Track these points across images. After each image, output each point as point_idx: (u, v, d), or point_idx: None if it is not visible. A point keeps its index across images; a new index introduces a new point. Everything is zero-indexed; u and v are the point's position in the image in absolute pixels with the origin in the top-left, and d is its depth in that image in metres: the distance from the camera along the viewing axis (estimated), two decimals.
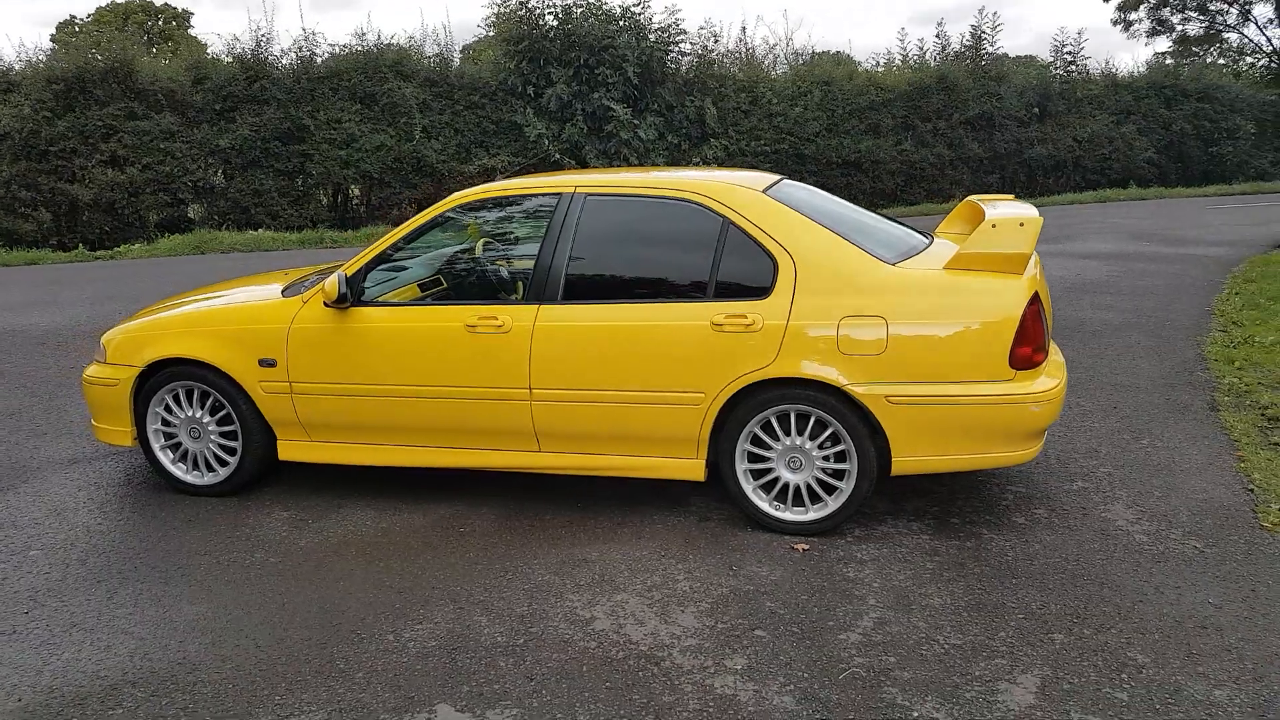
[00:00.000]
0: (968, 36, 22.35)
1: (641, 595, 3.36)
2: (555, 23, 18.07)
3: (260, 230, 15.75)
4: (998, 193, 6.32)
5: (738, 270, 3.74)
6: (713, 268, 3.76)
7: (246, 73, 16.54)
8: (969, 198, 4.62)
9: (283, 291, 4.35)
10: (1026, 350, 3.53)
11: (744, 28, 34.53)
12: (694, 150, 18.57)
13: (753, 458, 3.81)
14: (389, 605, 3.35)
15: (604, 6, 18.24)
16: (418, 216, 4.15)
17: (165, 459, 4.38)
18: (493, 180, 16.26)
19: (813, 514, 3.77)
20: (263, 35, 16.99)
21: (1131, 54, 52.53)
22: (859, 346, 3.56)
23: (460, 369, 3.93)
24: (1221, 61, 27.83)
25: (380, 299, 4.13)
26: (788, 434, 3.74)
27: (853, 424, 3.63)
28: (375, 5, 38.03)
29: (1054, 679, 2.80)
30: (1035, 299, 3.58)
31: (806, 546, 3.69)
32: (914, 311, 3.55)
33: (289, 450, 4.26)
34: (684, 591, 3.37)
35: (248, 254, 14.23)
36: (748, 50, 20.80)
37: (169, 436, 4.39)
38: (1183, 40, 28.34)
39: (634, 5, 18.34)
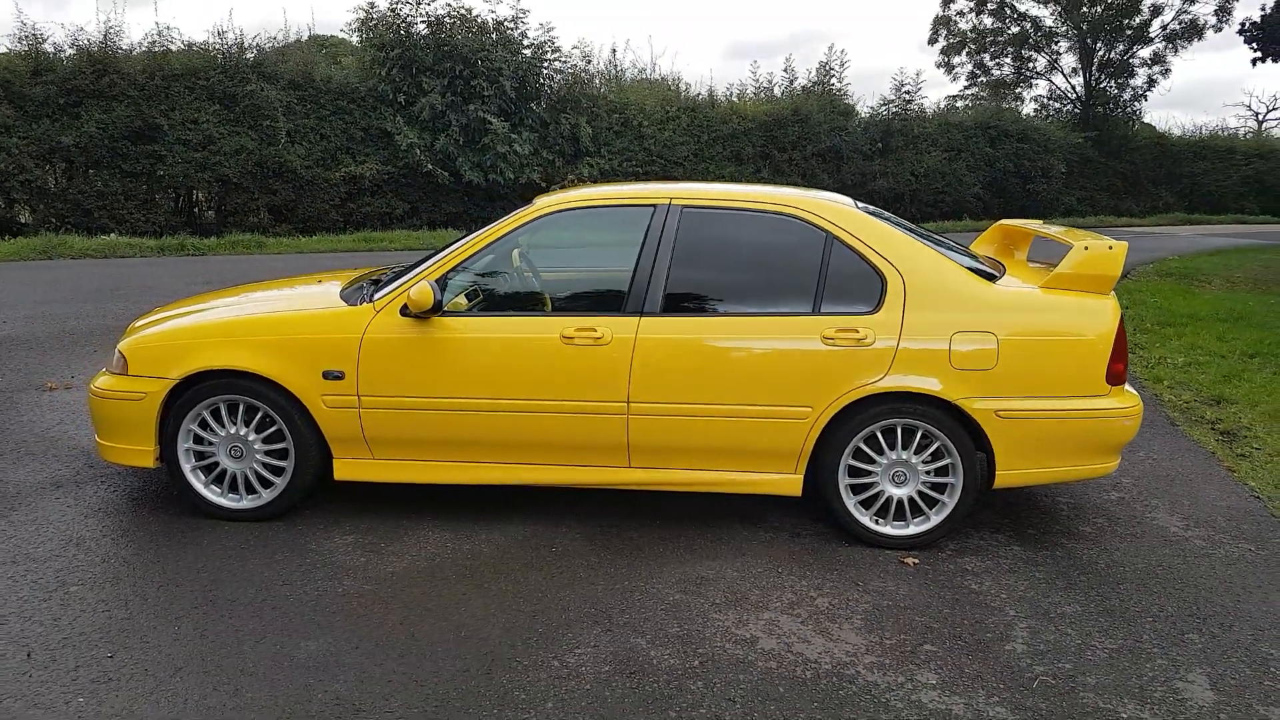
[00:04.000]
0: (814, 73, 23.46)
1: (788, 613, 3.31)
2: (427, 31, 17.62)
3: (112, 235, 14.48)
4: None
5: (844, 285, 3.77)
6: (818, 283, 3.77)
7: (93, 66, 15.24)
8: (1000, 222, 4.84)
9: (342, 298, 4.04)
10: (1120, 366, 3.73)
11: (614, 50, 34.76)
12: (568, 168, 18.53)
13: (852, 472, 3.84)
14: (530, 630, 3.16)
15: (477, 19, 17.95)
16: (502, 223, 3.96)
17: (197, 481, 3.96)
18: (362, 183, 15.76)
19: (913, 528, 3.84)
20: (111, 27, 15.72)
21: (942, 93, 56.32)
22: (971, 361, 3.66)
23: (553, 382, 3.77)
24: (1032, 109, 30.31)
25: (447, 307, 3.89)
26: (891, 448, 3.79)
27: (960, 438, 3.73)
28: (234, 2, 35.95)
29: (1218, 675, 2.97)
30: (1121, 318, 3.79)
31: (916, 561, 3.74)
32: (1022, 328, 3.69)
33: (347, 469, 3.95)
34: (827, 608, 3.35)
35: (101, 260, 13.09)
36: (618, 72, 20.98)
37: (200, 456, 3.97)
38: (998, 84, 30.68)
39: (507, 20, 18.17)
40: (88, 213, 15.34)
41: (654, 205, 3.93)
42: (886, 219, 4.04)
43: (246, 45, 16.76)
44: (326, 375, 3.80)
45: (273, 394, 3.84)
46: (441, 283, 3.84)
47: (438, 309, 3.73)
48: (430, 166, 17.31)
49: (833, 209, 3.89)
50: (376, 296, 3.91)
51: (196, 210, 17.35)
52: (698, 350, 3.75)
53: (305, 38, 19.88)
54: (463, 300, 3.96)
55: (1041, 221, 4.90)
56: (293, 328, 3.87)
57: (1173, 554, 3.88)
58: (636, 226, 3.92)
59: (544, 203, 4.00)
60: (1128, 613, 3.37)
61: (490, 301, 4.06)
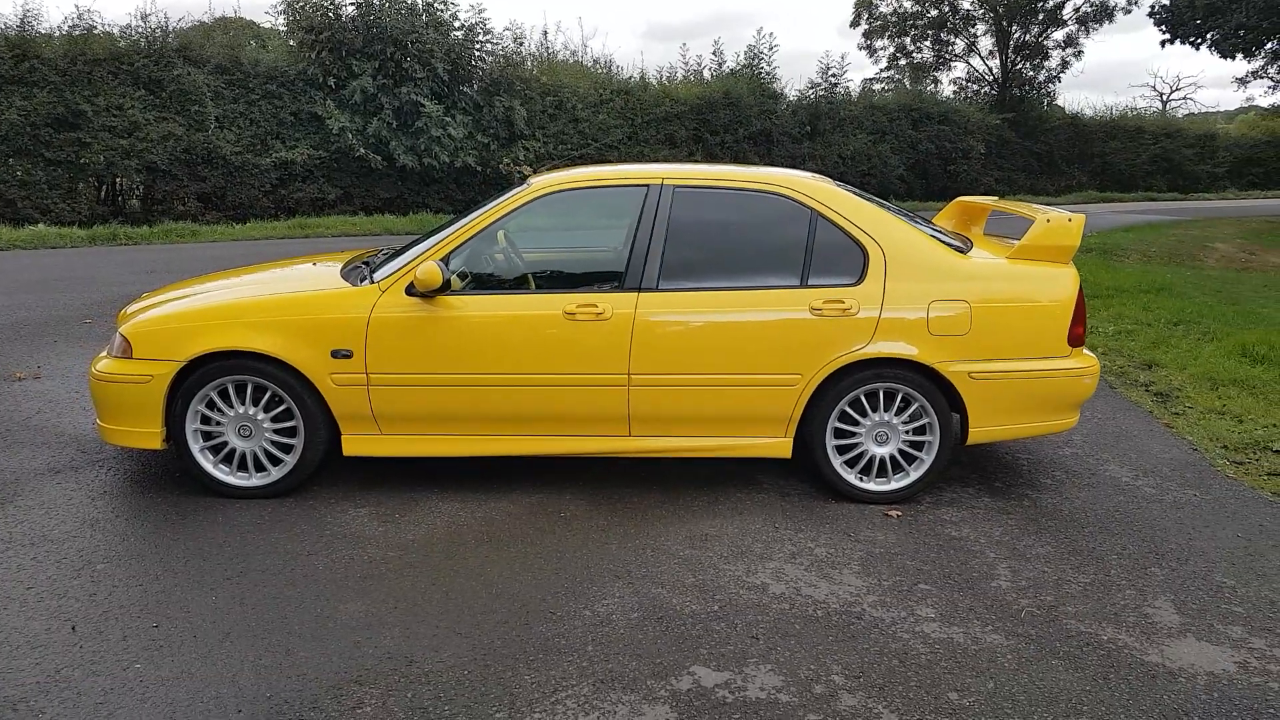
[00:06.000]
0: (743, 56, 23.80)
1: (790, 562, 3.57)
2: (356, 13, 17.43)
3: (40, 225, 14.10)
4: None
5: (829, 259, 4.03)
6: (805, 257, 4.02)
7: (11, 50, 14.77)
8: (959, 198, 5.16)
9: (344, 279, 4.16)
10: (1080, 329, 4.06)
11: (545, 32, 34.53)
12: (504, 151, 18.54)
13: (838, 433, 4.11)
14: (557, 586, 3.36)
15: (405, 0, 17.79)
16: (500, 204, 4.11)
17: (206, 461, 4.06)
18: (293, 169, 15.51)
19: (894, 484, 4.13)
20: (29, 10, 15.24)
21: (861, 75, 57.25)
22: (947, 328, 3.95)
23: (557, 356, 3.95)
24: (950, 91, 31.17)
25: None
26: (874, 411, 4.07)
27: (937, 399, 4.02)
28: None
29: (1181, 601, 3.31)
30: (1080, 285, 4.12)
31: (900, 513, 4.03)
32: (992, 296, 3.99)
33: (355, 445, 4.08)
34: (825, 557, 3.62)
35: (33, 251, 12.76)
36: (550, 55, 21.02)
37: (208, 436, 4.06)
38: (918, 68, 31.49)
39: (436, 2, 18.05)
40: (10, 203, 14.90)
41: (647, 185, 4.13)
42: (865, 197, 4.31)
43: (170, 29, 16.40)
44: (335, 354, 3.93)
45: (282, 374, 3.95)
46: (445, 262, 3.98)
47: (445, 288, 3.88)
48: (363, 151, 17.18)
49: (817, 187, 4.14)
50: (379, 277, 4.04)
51: (121, 199, 16.95)
52: (694, 323, 3.97)
53: (210, 22, 19.49)
54: (458, 280, 4.11)
55: (996, 197, 5.23)
56: (300, 308, 3.98)
57: (1127, 500, 4.24)
58: (631, 206, 4.12)
59: (540, 183, 4.17)
60: (1095, 551, 3.71)
61: (492, 280, 4.22)
